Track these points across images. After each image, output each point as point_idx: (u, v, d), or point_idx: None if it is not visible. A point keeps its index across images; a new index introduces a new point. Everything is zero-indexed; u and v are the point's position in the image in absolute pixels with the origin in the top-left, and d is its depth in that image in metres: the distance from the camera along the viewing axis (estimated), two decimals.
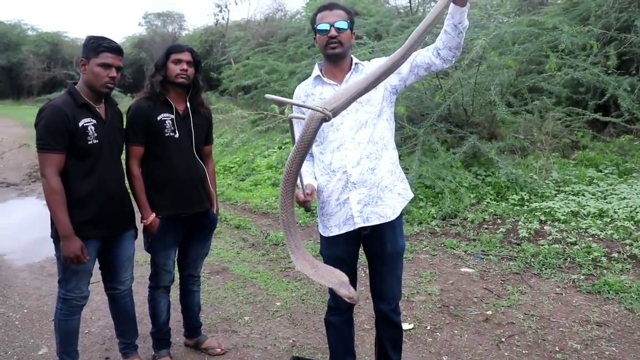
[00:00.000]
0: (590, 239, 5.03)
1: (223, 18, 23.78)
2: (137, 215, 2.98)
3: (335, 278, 1.82)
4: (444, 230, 5.65)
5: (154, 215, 2.97)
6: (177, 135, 2.96)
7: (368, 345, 3.42)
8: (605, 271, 4.41)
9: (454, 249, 5.15)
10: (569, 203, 5.85)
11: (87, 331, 3.68)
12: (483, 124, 7.70)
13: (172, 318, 3.35)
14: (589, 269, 4.46)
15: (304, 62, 11.04)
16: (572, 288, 4.20)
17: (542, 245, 4.97)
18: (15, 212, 7.44)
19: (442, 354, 3.32)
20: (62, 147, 2.58)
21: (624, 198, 5.84)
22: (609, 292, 4.05)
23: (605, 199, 6.00)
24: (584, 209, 5.64)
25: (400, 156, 6.90)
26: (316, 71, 2.54)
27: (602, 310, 3.83)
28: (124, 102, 16.47)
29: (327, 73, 2.53)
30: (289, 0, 47.90)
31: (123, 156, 2.95)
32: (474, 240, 5.32)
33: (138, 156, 2.96)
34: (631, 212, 5.46)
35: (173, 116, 2.95)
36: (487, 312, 3.85)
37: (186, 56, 2.93)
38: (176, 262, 3.25)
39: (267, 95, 1.87)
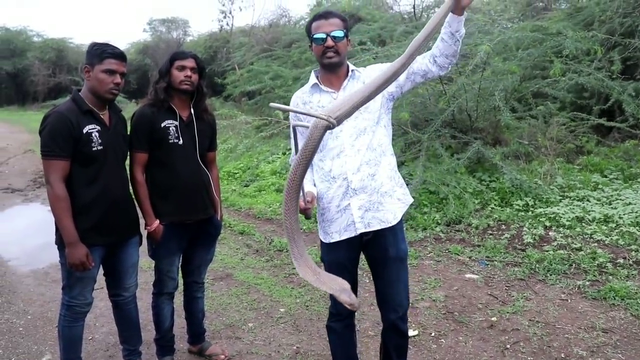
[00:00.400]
0: (596, 244, 5.01)
1: (227, 24, 23.86)
2: (142, 222, 2.99)
3: (336, 285, 1.84)
4: (448, 236, 5.63)
5: (157, 221, 2.97)
6: (181, 142, 2.96)
7: (372, 352, 3.41)
8: (610, 277, 4.39)
9: (458, 254, 5.13)
10: (573, 209, 5.82)
11: (90, 338, 3.68)
12: (487, 130, 7.69)
13: (175, 324, 3.35)
14: (594, 275, 4.43)
15: (308, 68, 11.04)
16: (578, 294, 4.18)
17: (547, 251, 4.94)
18: (20, 218, 7.45)
19: None
20: (67, 154, 2.59)
21: (629, 203, 5.81)
22: (614, 298, 4.02)
23: (610, 204, 5.98)
24: (589, 215, 5.62)
25: (404, 162, 6.96)
26: (313, 79, 2.55)
27: (607, 316, 3.80)
28: (129, 108, 16.53)
29: (324, 81, 2.53)
30: (293, 6, 48.18)
31: (127, 162, 2.96)
32: (479, 246, 5.30)
33: (142, 163, 2.96)
34: (637, 217, 5.43)
35: (177, 123, 2.96)
36: (492, 319, 3.83)
37: (190, 62, 2.94)
38: (180, 269, 3.25)
39: (273, 104, 1.88)
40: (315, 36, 2.44)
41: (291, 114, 2.62)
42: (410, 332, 3.57)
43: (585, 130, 8.07)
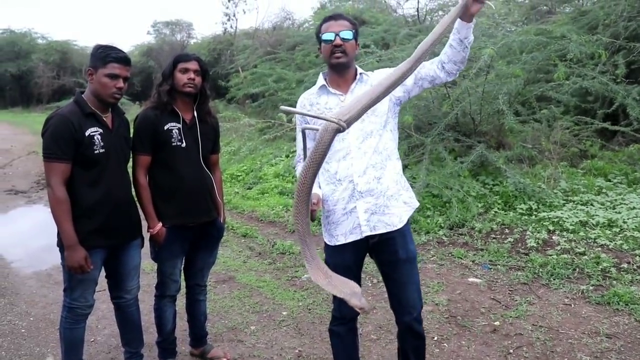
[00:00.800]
0: (599, 249, 4.98)
1: (231, 26, 23.93)
2: (144, 224, 2.98)
3: (347, 288, 1.84)
4: (451, 240, 5.62)
5: (160, 224, 2.97)
6: (184, 145, 2.96)
7: (375, 357, 3.40)
8: (614, 282, 4.36)
9: (461, 258, 5.11)
10: (577, 213, 5.80)
11: (92, 340, 3.68)
12: (491, 133, 7.67)
13: (178, 327, 3.35)
14: (598, 280, 4.41)
15: (312, 71, 11.04)
16: (581, 299, 4.16)
17: (551, 255, 4.92)
18: (24, 219, 7.47)
19: None
20: (68, 157, 2.59)
21: (634, 208, 5.79)
22: (618, 303, 4.00)
23: (614, 208, 5.95)
24: (593, 219, 5.60)
25: (407, 165, 6.95)
26: (321, 81, 2.55)
27: (611, 321, 3.78)
28: (132, 110, 16.59)
29: (331, 83, 2.54)
30: (296, 9, 48.22)
31: (130, 165, 2.96)
32: (482, 250, 5.28)
33: (145, 165, 2.96)
34: None
35: (180, 125, 2.96)
36: (495, 323, 3.82)
37: (193, 65, 2.94)
38: (182, 271, 3.25)
39: (283, 107, 1.87)
40: (324, 36, 2.45)
41: (298, 117, 2.63)
42: None
43: (589, 134, 8.04)
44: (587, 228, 5.45)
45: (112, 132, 2.77)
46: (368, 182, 2.43)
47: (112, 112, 2.82)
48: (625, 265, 4.61)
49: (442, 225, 5.91)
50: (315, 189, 2.47)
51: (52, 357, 3.45)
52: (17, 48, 33.09)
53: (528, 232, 5.50)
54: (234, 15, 23.42)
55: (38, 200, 8.43)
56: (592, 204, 6.08)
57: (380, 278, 4.47)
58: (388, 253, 2.53)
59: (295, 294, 4.45)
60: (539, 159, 7.42)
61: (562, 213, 5.79)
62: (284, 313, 4.09)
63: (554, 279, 4.49)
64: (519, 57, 7.16)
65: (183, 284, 3.30)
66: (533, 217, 5.90)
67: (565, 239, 5.24)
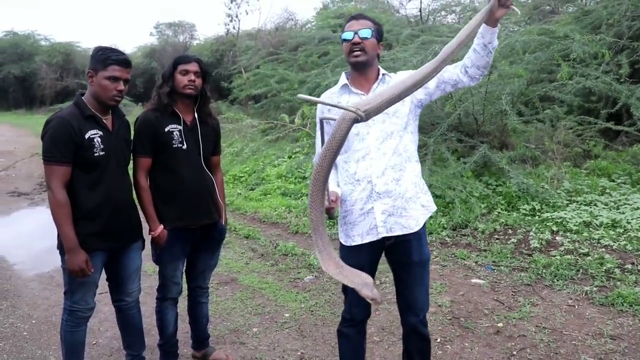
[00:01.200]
0: (603, 249, 4.96)
1: (234, 27, 23.89)
2: (145, 226, 2.97)
3: (359, 279, 1.83)
4: (454, 241, 5.60)
5: (161, 227, 2.96)
6: (185, 147, 2.95)
7: (377, 359, 3.38)
8: (618, 283, 4.34)
9: (464, 259, 5.09)
10: (581, 213, 5.77)
11: (94, 342, 3.67)
12: (494, 133, 7.65)
13: (179, 329, 3.33)
14: (602, 281, 4.39)
15: (314, 72, 11.05)
16: (585, 300, 4.14)
17: (554, 256, 4.90)
18: (26, 221, 7.48)
19: None
20: (68, 159, 2.58)
21: (638, 208, 5.75)
22: (622, 305, 3.98)
23: (618, 209, 5.92)
24: (597, 220, 5.57)
25: None
26: (343, 80, 2.55)
27: (615, 323, 3.76)
28: (135, 111, 16.58)
29: (354, 82, 2.54)
30: (299, 10, 48.25)
31: (130, 167, 2.95)
32: (485, 250, 5.26)
33: (145, 168, 2.95)
34: None
35: (181, 127, 2.95)
36: (498, 324, 3.80)
37: (193, 67, 2.93)
38: (184, 274, 3.24)
39: (300, 95, 1.87)
40: (343, 35, 2.48)
41: (318, 108, 2.63)
42: None
43: (593, 134, 8.01)
44: (591, 229, 5.42)
45: (113, 135, 2.76)
46: (386, 184, 2.43)
47: (113, 114, 2.81)
48: (630, 266, 4.58)
49: (445, 226, 5.89)
50: (334, 187, 2.49)
51: None
52: (20, 50, 33.14)
53: (531, 233, 5.47)
54: (237, 16, 23.40)
55: (41, 202, 8.43)
56: (595, 204, 6.05)
57: (384, 279, 4.49)
58: (402, 255, 2.54)
59: (298, 295, 4.43)
60: (542, 159, 7.39)
61: (565, 213, 5.76)
62: (287, 315, 4.07)
63: (558, 280, 4.47)
64: (521, 57, 7.14)
65: (185, 286, 3.29)
66: (536, 217, 5.87)
67: (569, 239, 5.21)
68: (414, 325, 2.62)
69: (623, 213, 5.71)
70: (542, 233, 5.41)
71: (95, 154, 2.66)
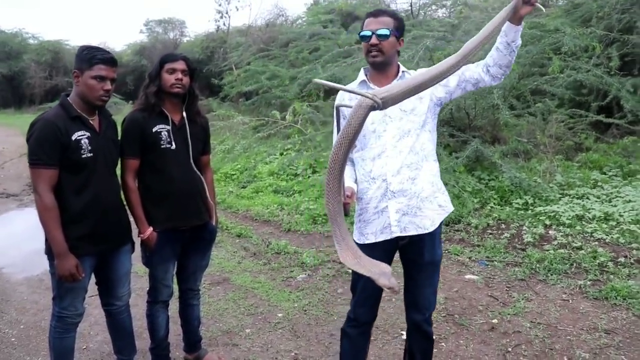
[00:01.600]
0: (596, 243, 4.96)
1: (224, 24, 23.79)
2: (134, 229, 2.92)
3: (377, 269, 1.80)
4: (447, 236, 5.57)
5: (151, 229, 2.90)
6: (173, 147, 2.89)
7: (372, 358, 3.35)
8: (612, 276, 4.34)
9: (458, 255, 5.07)
10: (573, 207, 5.77)
11: (85, 347, 3.61)
12: (486, 128, 7.64)
13: (171, 331, 3.29)
14: (595, 275, 4.39)
15: (305, 68, 10.99)
16: (579, 294, 4.13)
17: (548, 250, 4.89)
18: (15, 223, 7.38)
19: None
20: (55, 162, 2.52)
21: (630, 201, 5.76)
22: (616, 298, 3.98)
23: (610, 202, 5.93)
24: (589, 213, 5.57)
25: None
26: (361, 76, 2.52)
27: (610, 317, 3.75)
28: (125, 110, 16.46)
29: (372, 79, 2.50)
30: (290, 6, 48.05)
31: (118, 168, 2.90)
32: (478, 246, 5.25)
33: (133, 169, 2.89)
34: (637, 215, 5.38)
35: (169, 127, 2.89)
36: (493, 321, 3.78)
37: (180, 65, 2.86)
38: (175, 276, 3.19)
39: (316, 80, 1.82)
40: (361, 33, 2.43)
41: (338, 96, 2.59)
42: None
43: (584, 127, 8.03)
44: (584, 222, 5.42)
45: (100, 135, 2.70)
46: (401, 182, 2.40)
47: (99, 114, 2.75)
48: (623, 259, 4.58)
49: None
50: (350, 183, 2.44)
51: None
52: (8, 48, 32.79)
53: (524, 227, 5.46)
54: (227, 13, 23.30)
55: (30, 203, 8.32)
56: (588, 198, 6.06)
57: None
58: (414, 254, 2.52)
59: (291, 294, 4.39)
60: (534, 152, 7.39)
61: (558, 207, 5.76)
62: (280, 315, 4.04)
63: (551, 275, 4.46)
64: None
65: (176, 287, 3.25)
66: (529, 211, 5.87)
67: (562, 233, 5.21)
68: (419, 323, 2.61)
69: (615, 206, 5.71)
70: (535, 227, 5.40)
71: (83, 156, 2.60)
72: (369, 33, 2.39)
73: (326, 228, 6.22)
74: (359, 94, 1.75)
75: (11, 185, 9.85)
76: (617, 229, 5.19)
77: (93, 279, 2.85)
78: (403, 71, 2.49)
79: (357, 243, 2.52)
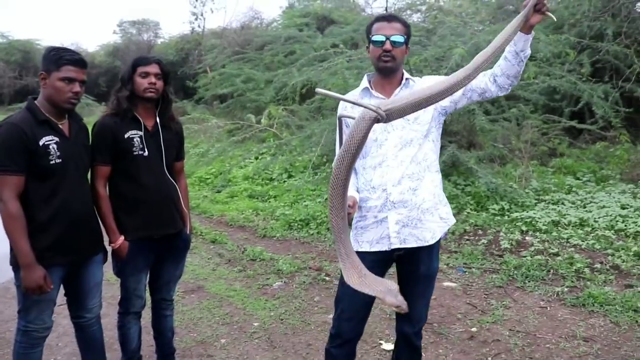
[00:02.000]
0: (572, 249, 4.98)
1: (199, 26, 23.61)
2: (106, 237, 2.81)
3: (382, 287, 1.74)
4: None
5: (122, 238, 2.79)
6: (146, 154, 2.78)
7: None
8: (588, 283, 4.35)
9: None
10: (549, 212, 5.80)
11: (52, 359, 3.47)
12: (462, 133, 7.65)
13: (144, 342, 3.17)
14: (572, 281, 4.40)
15: (281, 71, 10.90)
16: (557, 301, 4.13)
17: (525, 256, 4.89)
18: None
19: None
20: (21, 169, 2.39)
21: (604, 207, 5.82)
22: (593, 305, 3.98)
23: (584, 207, 5.98)
24: (565, 218, 5.60)
25: None
26: (364, 83, 2.45)
27: (587, 324, 3.75)
28: (99, 111, 16.14)
29: (376, 86, 2.43)
30: (265, 8, 47.92)
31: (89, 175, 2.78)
32: (456, 252, 5.23)
33: (104, 176, 2.77)
34: (611, 221, 5.44)
35: (142, 133, 2.78)
36: (472, 329, 3.75)
37: (154, 68, 2.75)
38: (148, 286, 3.08)
39: (319, 90, 1.70)
40: (374, 37, 2.35)
41: (340, 106, 2.52)
42: (389, 346, 3.46)
43: (558, 133, 8.13)
44: (560, 228, 5.45)
45: (70, 140, 2.58)
46: (402, 193, 2.33)
47: (69, 118, 2.63)
48: (598, 266, 4.61)
49: None
50: (352, 192, 2.36)
51: None
52: None
53: (501, 233, 5.47)
54: (202, 15, 23.13)
55: None
56: (563, 203, 6.10)
57: None
58: (409, 266, 2.46)
59: (267, 303, 4.30)
60: (509, 158, 7.43)
61: (534, 213, 5.78)
62: (255, 324, 3.94)
63: (529, 281, 4.46)
64: None
65: (148, 297, 3.13)
66: (506, 217, 5.88)
67: (539, 239, 5.22)
68: (408, 336, 2.55)
69: (590, 211, 5.76)
70: (512, 233, 5.41)
71: (51, 162, 2.47)
72: (382, 38, 2.32)
73: (302, 234, 6.15)
74: (362, 106, 1.68)
75: None
76: (592, 234, 5.23)
77: (62, 290, 2.73)
78: (407, 78, 2.43)
79: None
